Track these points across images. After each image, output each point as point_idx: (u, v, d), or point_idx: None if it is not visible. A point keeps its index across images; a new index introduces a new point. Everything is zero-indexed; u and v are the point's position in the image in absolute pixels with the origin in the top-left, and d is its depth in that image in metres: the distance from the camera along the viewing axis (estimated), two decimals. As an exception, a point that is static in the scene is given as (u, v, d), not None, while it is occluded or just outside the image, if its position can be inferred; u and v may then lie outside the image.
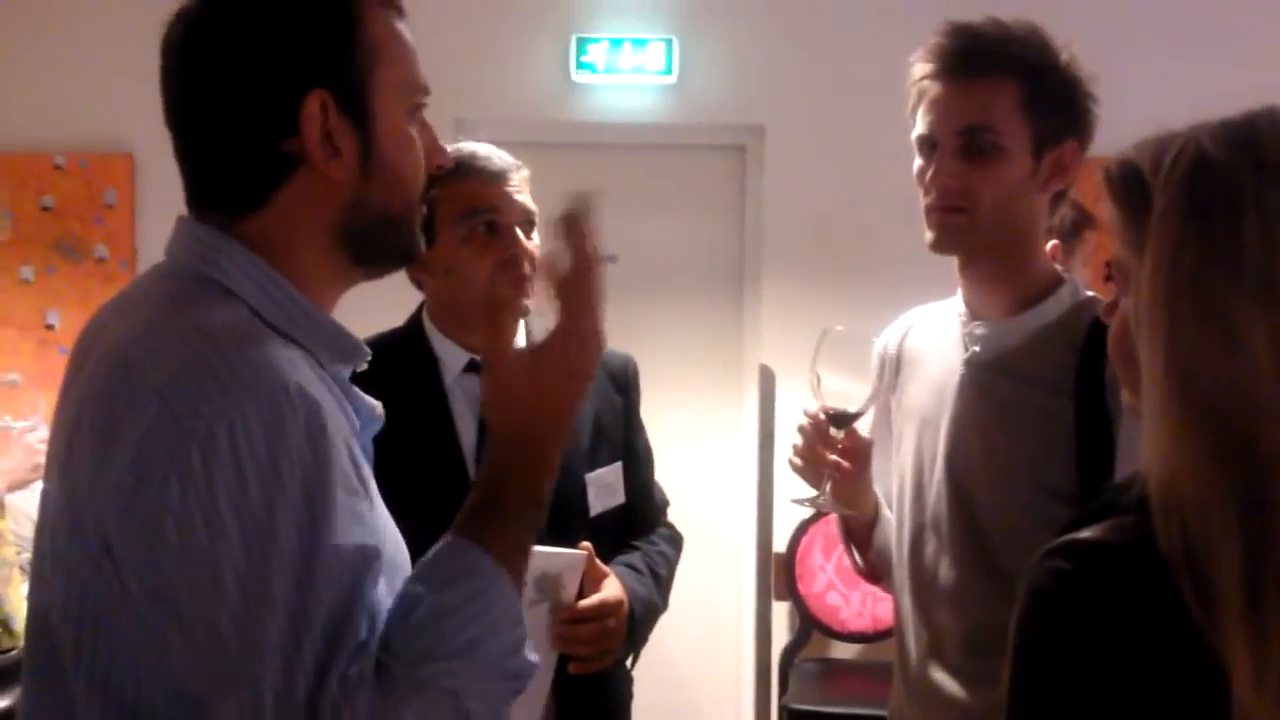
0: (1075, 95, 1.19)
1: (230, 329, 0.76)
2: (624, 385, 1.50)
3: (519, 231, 1.35)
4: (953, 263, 1.27)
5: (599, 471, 1.40)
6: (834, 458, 1.24)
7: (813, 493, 1.28)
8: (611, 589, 1.30)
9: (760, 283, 3.22)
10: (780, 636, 3.11)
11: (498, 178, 1.34)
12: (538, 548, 1.26)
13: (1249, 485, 0.68)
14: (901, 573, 1.29)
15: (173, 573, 0.70)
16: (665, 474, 3.29)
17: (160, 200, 3.24)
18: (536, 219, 1.38)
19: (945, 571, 1.23)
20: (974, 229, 1.19)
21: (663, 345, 3.23)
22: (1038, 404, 1.18)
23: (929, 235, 1.22)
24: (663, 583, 1.45)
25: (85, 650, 0.74)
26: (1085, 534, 0.73)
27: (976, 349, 1.23)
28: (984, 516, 1.20)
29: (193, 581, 0.70)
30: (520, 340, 1.43)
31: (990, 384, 1.22)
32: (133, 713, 0.73)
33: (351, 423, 0.81)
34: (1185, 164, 0.72)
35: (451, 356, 1.39)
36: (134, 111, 3.52)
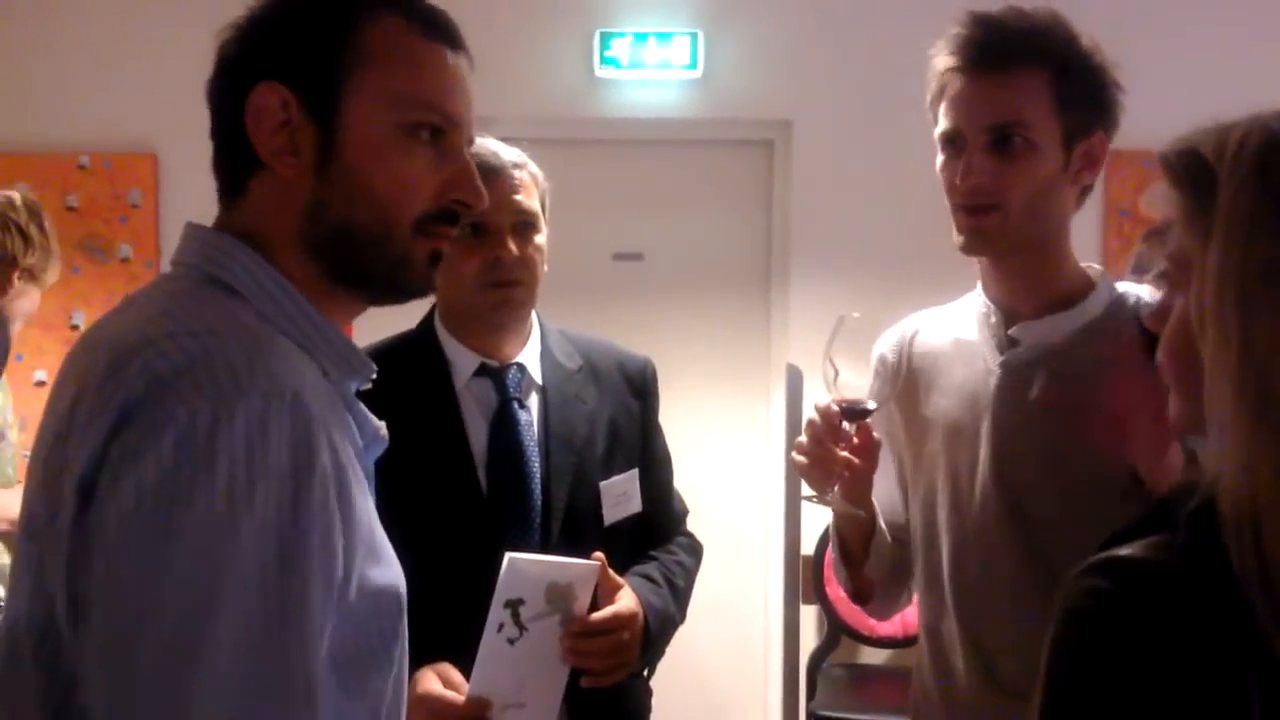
0: (1103, 84, 1.16)
1: (235, 325, 0.74)
2: (642, 390, 1.46)
3: (510, 234, 1.30)
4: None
5: (613, 479, 1.37)
6: (845, 454, 1.17)
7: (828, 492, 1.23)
8: (625, 601, 1.26)
9: (788, 280, 3.17)
10: (808, 641, 3.07)
11: (490, 176, 1.29)
12: (549, 557, 1.23)
13: None
14: (939, 592, 1.24)
15: (105, 571, 0.66)
16: (691, 475, 3.24)
17: (184, 200, 3.24)
18: (538, 219, 1.33)
19: (998, 585, 1.17)
20: (1006, 228, 1.15)
21: (689, 344, 3.20)
22: (1087, 400, 1.14)
23: (958, 238, 1.18)
24: (680, 593, 1.41)
25: (45, 662, 0.70)
26: (1125, 551, 0.69)
27: (1018, 349, 1.19)
28: (1041, 522, 1.15)
29: (122, 582, 0.66)
30: (535, 345, 1.40)
31: (1034, 383, 1.17)
32: None
33: (355, 442, 0.79)
34: (1254, 146, 0.68)
35: (463, 360, 1.36)
36: (157, 112, 3.56)
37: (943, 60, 1.16)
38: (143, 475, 0.66)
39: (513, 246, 1.29)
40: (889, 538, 1.31)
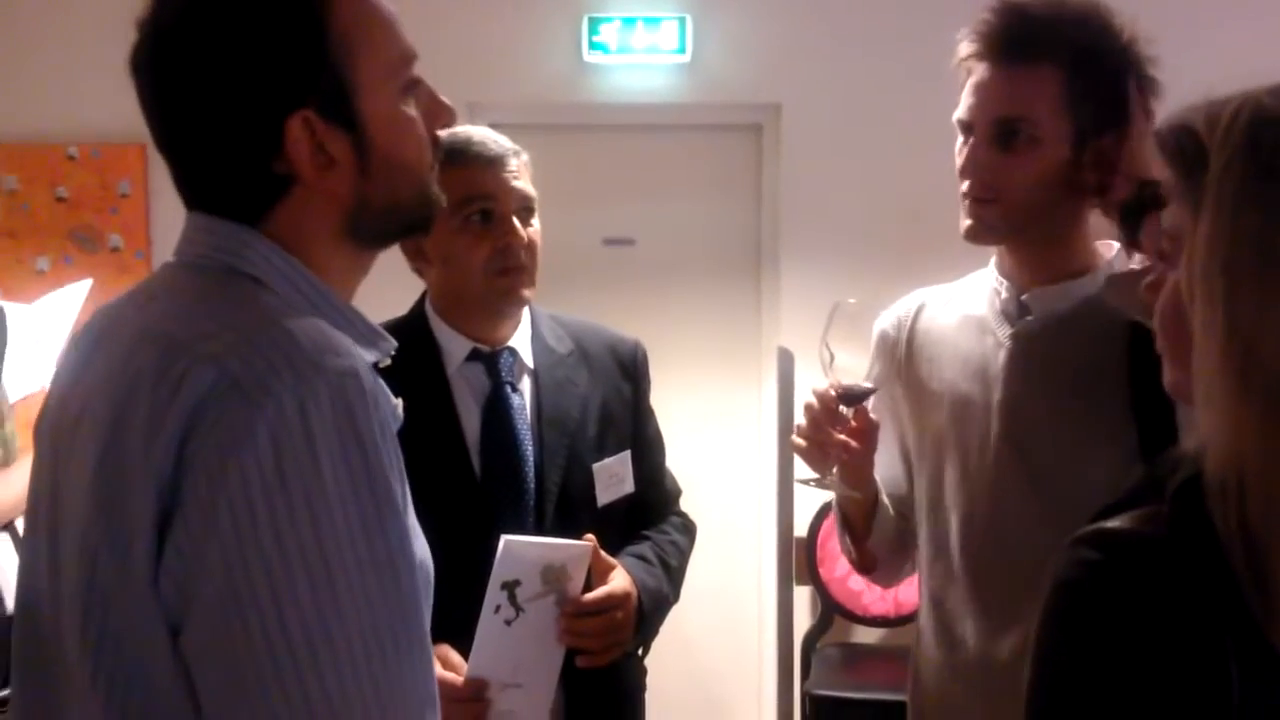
0: (1125, 80, 1.14)
1: (281, 310, 0.74)
2: (632, 373, 1.47)
3: (516, 220, 1.32)
4: (971, 245, 1.23)
5: (606, 461, 1.38)
6: (843, 438, 1.19)
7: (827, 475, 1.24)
8: (618, 581, 1.28)
9: (778, 264, 3.18)
10: (802, 622, 3.09)
11: (494, 164, 1.31)
12: (542, 539, 1.24)
13: None
14: (946, 562, 1.25)
15: (216, 567, 0.66)
16: (684, 459, 3.25)
17: (174, 191, 3.21)
18: (535, 204, 1.35)
19: (1011, 553, 1.18)
20: (1005, 221, 1.17)
21: (680, 328, 3.20)
22: (1092, 363, 1.16)
23: (963, 224, 1.19)
24: (673, 572, 1.42)
25: (91, 649, 0.71)
26: (1114, 523, 0.70)
27: (1028, 319, 1.20)
28: (1053, 493, 1.16)
29: (241, 578, 0.66)
30: (525, 329, 1.41)
31: (1045, 351, 1.19)
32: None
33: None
34: (1245, 120, 0.69)
35: (454, 346, 1.36)
36: (146, 100, 3.54)
37: (966, 46, 1.17)
38: (246, 470, 0.66)
39: (522, 232, 1.31)
40: (891, 511, 1.33)
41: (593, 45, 3.12)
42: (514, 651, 1.19)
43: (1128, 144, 1.14)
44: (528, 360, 1.39)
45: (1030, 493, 1.17)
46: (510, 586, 1.18)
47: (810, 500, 3.03)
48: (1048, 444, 1.17)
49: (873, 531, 1.31)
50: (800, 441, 1.21)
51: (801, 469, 1.30)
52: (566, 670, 1.24)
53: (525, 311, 1.42)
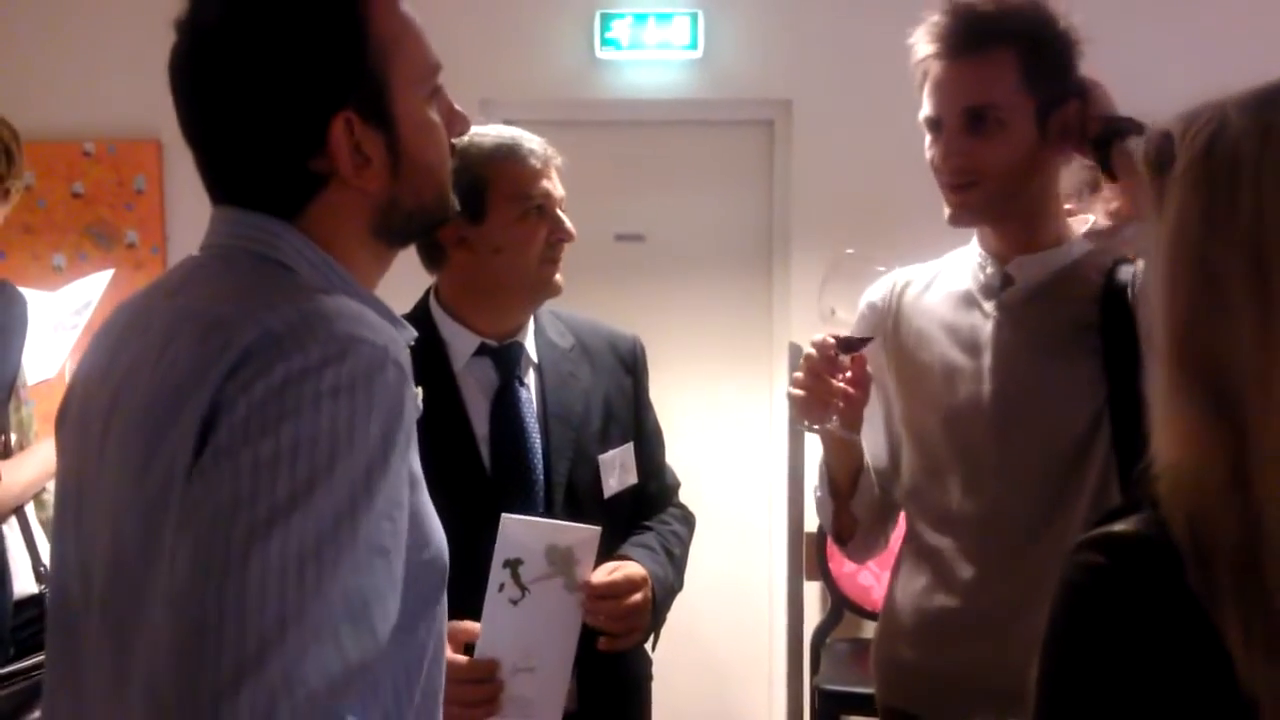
0: (1074, 55, 1.23)
1: (316, 292, 0.75)
2: (633, 366, 1.51)
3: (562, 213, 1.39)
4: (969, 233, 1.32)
5: (611, 453, 1.41)
6: (842, 385, 1.26)
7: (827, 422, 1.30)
8: (634, 566, 1.30)
9: (789, 260, 3.18)
10: (812, 616, 3.10)
11: (547, 164, 1.39)
12: (547, 520, 1.26)
13: (1238, 452, 0.67)
14: (948, 526, 1.30)
15: (208, 483, 0.67)
16: (694, 453, 3.25)
17: (189, 186, 3.21)
18: (563, 200, 1.41)
19: (1013, 500, 1.25)
20: (987, 201, 1.24)
21: (691, 324, 3.21)
22: (1071, 324, 1.24)
23: (946, 211, 1.27)
24: (677, 561, 1.45)
25: (113, 629, 0.72)
26: (1119, 526, 0.71)
27: (1014, 288, 1.28)
28: (1048, 442, 1.23)
29: (221, 493, 0.66)
30: (529, 325, 1.42)
31: (1029, 317, 1.27)
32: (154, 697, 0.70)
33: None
34: (1206, 129, 0.71)
35: (461, 342, 1.38)
36: (161, 98, 3.54)
37: (922, 47, 1.25)
38: (251, 396, 0.68)
39: (570, 227, 1.39)
40: (874, 479, 1.38)
41: (605, 41, 3.12)
42: (523, 633, 1.20)
43: (1086, 108, 1.21)
44: (532, 355, 1.42)
45: (1025, 446, 1.25)
46: (512, 565, 1.19)
47: (821, 496, 3.03)
48: (1035, 400, 1.24)
49: (855, 494, 1.36)
50: (799, 392, 1.27)
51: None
52: (578, 658, 1.25)
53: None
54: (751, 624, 3.24)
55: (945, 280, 1.36)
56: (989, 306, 1.30)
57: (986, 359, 1.27)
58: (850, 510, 1.38)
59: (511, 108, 3.07)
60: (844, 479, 1.37)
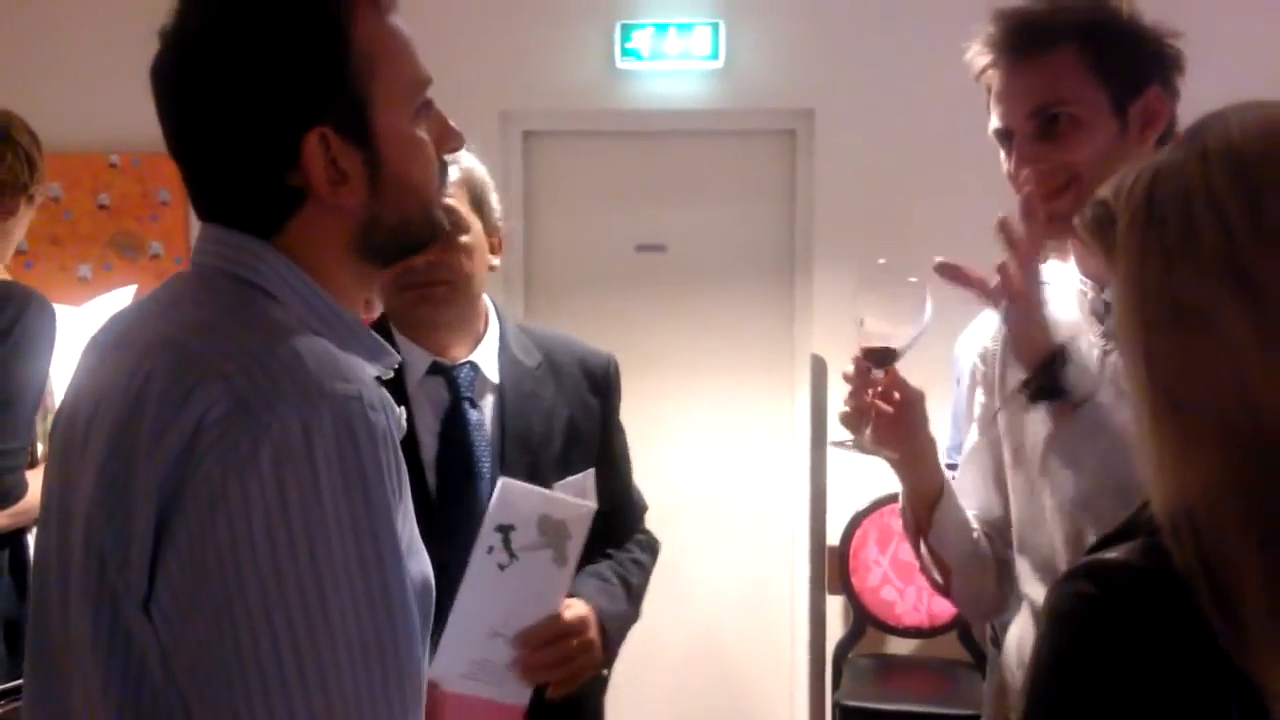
0: (1143, 41, 1.15)
1: (290, 330, 0.74)
2: (603, 387, 1.43)
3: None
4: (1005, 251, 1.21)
5: (569, 480, 1.34)
6: (876, 401, 1.19)
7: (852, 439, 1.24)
8: (573, 610, 1.26)
9: (811, 271, 3.17)
10: (834, 631, 3.07)
11: (459, 187, 1.31)
12: (544, 490, 1.23)
13: (1266, 496, 0.64)
14: (1052, 574, 1.19)
15: (215, 591, 0.67)
16: (716, 466, 3.24)
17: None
18: (462, 219, 1.31)
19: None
20: (1083, 205, 1.14)
21: (712, 335, 3.20)
22: None
23: (1044, 229, 1.15)
24: (634, 590, 1.39)
25: (103, 648, 0.72)
26: (1110, 555, 0.70)
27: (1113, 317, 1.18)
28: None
29: (236, 596, 0.67)
30: (492, 342, 1.37)
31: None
32: None
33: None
34: (1144, 181, 0.71)
35: (415, 358, 1.33)
36: (186, 109, 3.61)
37: (978, 60, 1.17)
38: (248, 488, 0.67)
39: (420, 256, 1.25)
40: (974, 525, 1.29)
41: (625, 52, 3.12)
42: (505, 599, 1.18)
43: (1172, 90, 1.14)
44: (492, 374, 1.36)
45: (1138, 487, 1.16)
46: (505, 530, 1.17)
47: (844, 508, 3.00)
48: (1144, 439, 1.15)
49: (937, 526, 1.27)
50: (844, 409, 1.22)
51: (837, 433, 1.30)
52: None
53: (493, 324, 1.39)
54: (773, 638, 3.21)
55: (1051, 313, 1.24)
56: (1095, 336, 1.19)
57: (1105, 395, 1.16)
58: (932, 549, 1.28)
59: (532, 119, 3.08)
60: (919, 504, 1.27)
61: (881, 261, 1.21)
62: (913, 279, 1.25)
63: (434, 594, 0.80)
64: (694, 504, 3.11)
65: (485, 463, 1.31)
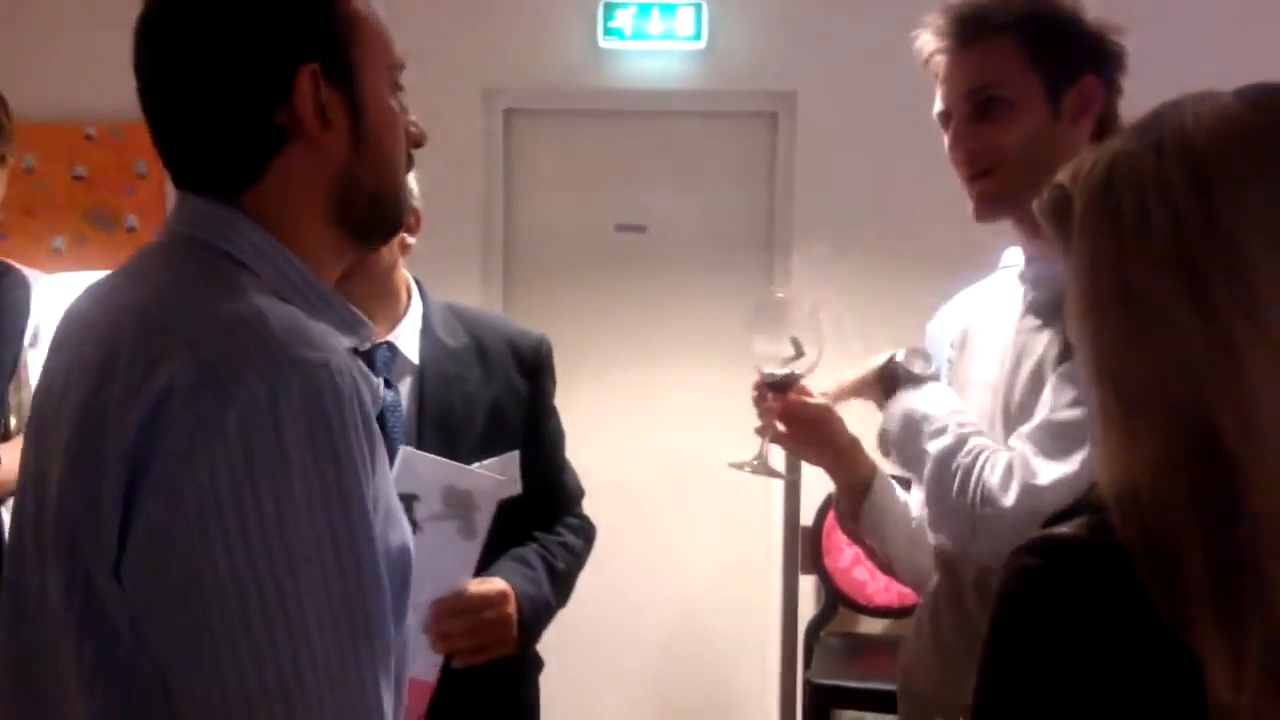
0: (1081, 33, 1.19)
1: (259, 298, 0.74)
2: (534, 369, 1.42)
3: None
4: (985, 233, 1.25)
5: (488, 461, 1.31)
6: (774, 422, 1.29)
7: (754, 459, 1.35)
8: (492, 583, 1.26)
9: (790, 252, 3.18)
10: (806, 610, 3.10)
11: None
12: (447, 460, 1.21)
13: (1208, 479, 0.66)
14: None
15: (183, 557, 0.68)
16: (692, 447, 3.25)
17: (190, 170, 3.23)
18: None
19: None
20: (1007, 187, 1.18)
21: (691, 316, 3.21)
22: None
23: (971, 208, 1.22)
24: (559, 576, 1.37)
25: (75, 616, 0.72)
26: (1058, 530, 0.71)
27: (1034, 293, 1.22)
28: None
29: (204, 561, 0.67)
30: (414, 322, 1.36)
31: (1051, 325, 1.19)
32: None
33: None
34: (1101, 165, 0.72)
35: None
36: (163, 80, 3.57)
37: (925, 47, 1.23)
38: (215, 454, 0.67)
39: None
40: (913, 509, 1.33)
41: (608, 31, 3.11)
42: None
43: (1110, 82, 1.18)
44: (412, 355, 1.34)
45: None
46: (408, 500, 1.15)
47: (817, 490, 3.03)
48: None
49: (867, 516, 1.33)
50: (757, 425, 1.33)
51: (732, 455, 1.43)
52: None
53: (416, 304, 1.38)
54: (746, 617, 3.25)
55: (1000, 293, 1.29)
56: (1019, 315, 1.23)
57: (1005, 376, 1.22)
58: (864, 537, 1.35)
59: (514, 97, 3.06)
60: (846, 502, 1.34)
61: (780, 296, 1.28)
62: (805, 307, 1.32)
63: (411, 564, 0.80)
64: (670, 485, 3.12)
65: (399, 444, 1.28)
